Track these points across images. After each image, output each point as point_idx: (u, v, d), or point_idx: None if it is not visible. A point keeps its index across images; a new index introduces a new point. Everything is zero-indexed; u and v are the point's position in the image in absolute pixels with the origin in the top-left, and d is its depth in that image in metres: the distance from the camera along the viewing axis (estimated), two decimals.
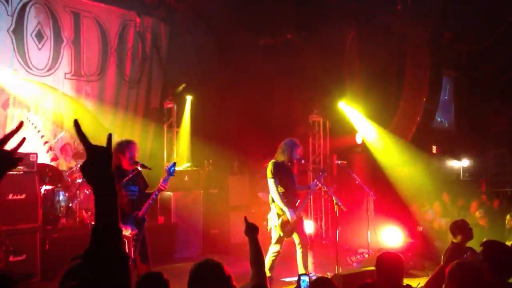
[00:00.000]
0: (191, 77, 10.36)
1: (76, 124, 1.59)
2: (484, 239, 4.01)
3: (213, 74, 10.38)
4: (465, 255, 4.17)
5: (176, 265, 7.69)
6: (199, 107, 10.40)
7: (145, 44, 10.63)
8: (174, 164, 5.79)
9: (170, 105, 10.17)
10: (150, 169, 5.73)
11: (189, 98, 10.33)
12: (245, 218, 3.38)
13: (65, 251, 6.60)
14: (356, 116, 11.00)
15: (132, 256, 5.21)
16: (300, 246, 6.30)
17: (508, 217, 4.38)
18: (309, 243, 6.54)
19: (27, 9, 8.85)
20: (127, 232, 5.26)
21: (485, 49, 12.19)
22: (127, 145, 5.59)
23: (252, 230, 3.29)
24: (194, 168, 9.47)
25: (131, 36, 10.37)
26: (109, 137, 1.66)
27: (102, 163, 1.60)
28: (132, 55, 10.44)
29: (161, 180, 5.51)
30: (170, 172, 5.58)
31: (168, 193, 8.70)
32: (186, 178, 9.08)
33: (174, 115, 10.15)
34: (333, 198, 6.61)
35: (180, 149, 10.22)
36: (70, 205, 7.95)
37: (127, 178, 5.45)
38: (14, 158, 1.84)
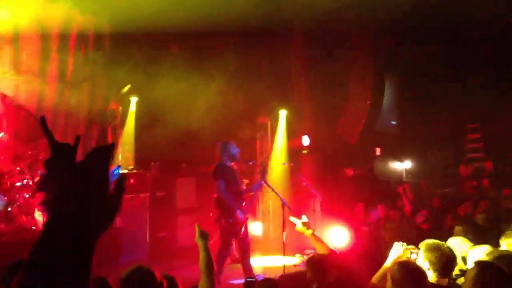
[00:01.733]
0: (137, 77, 10.15)
1: (42, 120, 1.55)
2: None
3: (159, 74, 10.20)
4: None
5: (121, 270, 7.50)
6: (145, 108, 10.21)
7: (88, 43, 10.32)
8: (118, 167, 5.69)
9: (114, 107, 9.94)
10: None
11: (134, 100, 10.11)
12: (197, 226, 3.37)
13: (4, 257, 6.30)
14: (302, 118, 11.13)
15: None
16: (242, 249, 6.29)
17: (456, 228, 4.53)
18: (251, 246, 6.54)
19: None
20: None
21: (427, 53, 12.60)
22: None
23: (203, 237, 3.28)
24: (140, 171, 9.30)
25: (73, 35, 10.05)
26: (77, 139, 1.62)
27: (65, 160, 1.55)
28: (74, 55, 10.11)
29: None
30: (114, 175, 5.48)
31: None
32: (131, 181, 8.90)
33: (118, 117, 9.93)
34: (280, 199, 6.65)
35: (126, 152, 9.99)
36: (9, 209, 7.61)
37: None
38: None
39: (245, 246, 6.30)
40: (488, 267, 2.89)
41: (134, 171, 9.28)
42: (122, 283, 2.60)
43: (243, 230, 6.30)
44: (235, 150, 6.47)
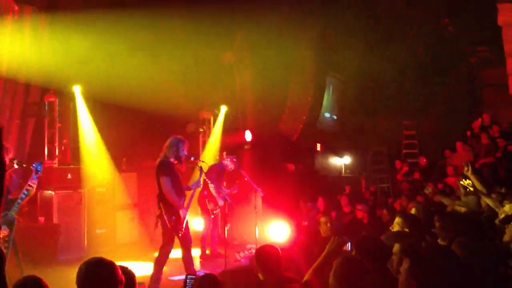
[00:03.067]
0: (74, 69, 9.80)
1: None
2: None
3: (99, 67, 9.92)
4: (345, 247, 4.37)
5: (59, 267, 7.32)
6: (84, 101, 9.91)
7: (24, 34, 9.88)
8: (41, 163, 5.61)
9: (51, 99, 9.58)
10: (24, 166, 5.54)
11: (77, 89, 9.71)
12: None
13: None
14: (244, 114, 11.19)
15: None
16: (184, 246, 6.26)
17: (396, 220, 4.72)
18: (191, 243, 6.51)
19: None
20: None
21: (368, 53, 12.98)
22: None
23: None
24: (78, 166, 9.03)
25: (9, 25, 9.60)
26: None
27: None
28: (9, 46, 9.66)
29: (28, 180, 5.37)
30: (37, 170, 5.43)
31: (50, 192, 8.23)
32: (69, 176, 8.64)
33: (56, 110, 9.58)
34: (224, 196, 6.69)
35: (63, 146, 9.68)
36: None
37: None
38: None
39: (187, 243, 6.26)
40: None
41: (71, 166, 9.01)
42: (81, 274, 2.55)
43: (185, 227, 6.26)
44: (183, 152, 6.34)
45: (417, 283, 2.87)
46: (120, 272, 2.63)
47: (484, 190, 6.00)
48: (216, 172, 8.11)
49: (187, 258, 6.26)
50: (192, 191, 6.72)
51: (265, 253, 3.69)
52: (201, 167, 6.71)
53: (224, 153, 10.44)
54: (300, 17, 12.07)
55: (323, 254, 3.82)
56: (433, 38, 13.86)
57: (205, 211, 8.07)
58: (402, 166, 12.62)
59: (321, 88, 13.48)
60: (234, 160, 8.27)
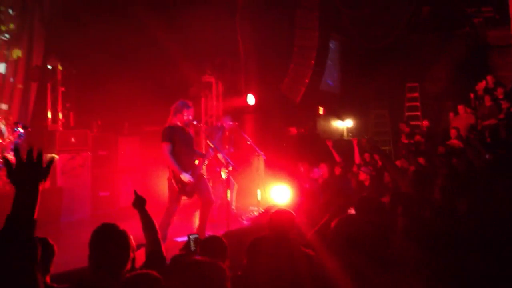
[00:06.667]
0: (77, 35, 9.72)
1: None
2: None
3: (101, 32, 9.84)
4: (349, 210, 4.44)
5: (63, 229, 7.47)
6: (86, 66, 9.89)
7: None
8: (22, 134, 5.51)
9: (54, 63, 9.56)
10: (29, 129, 5.53)
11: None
12: (135, 191, 3.44)
13: None
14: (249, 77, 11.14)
15: None
16: (202, 204, 6.38)
17: None
18: (212, 204, 6.60)
19: None
20: None
21: (369, 15, 12.82)
22: None
23: (140, 203, 3.37)
24: (81, 129, 9.08)
25: None
26: (51, 160, 2.01)
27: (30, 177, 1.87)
28: (12, 9, 9.55)
29: None
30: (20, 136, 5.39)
31: (53, 155, 8.31)
32: (72, 139, 8.70)
33: (59, 73, 9.58)
34: (226, 159, 6.75)
35: (66, 110, 9.72)
36: None
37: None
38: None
39: (203, 205, 6.37)
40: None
41: (75, 129, 9.07)
42: (95, 241, 2.67)
43: (201, 186, 6.35)
44: (188, 116, 6.38)
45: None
46: (131, 238, 2.75)
47: None
48: (216, 135, 8.14)
49: (202, 217, 6.39)
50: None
51: (280, 218, 3.72)
52: (206, 133, 6.77)
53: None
54: None
55: (327, 216, 3.90)
56: None
57: (217, 178, 8.01)
58: (405, 129, 12.59)
59: (324, 49, 13.35)
60: (229, 120, 8.16)
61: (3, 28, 9.48)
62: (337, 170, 9.07)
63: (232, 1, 11.36)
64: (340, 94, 14.62)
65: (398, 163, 8.92)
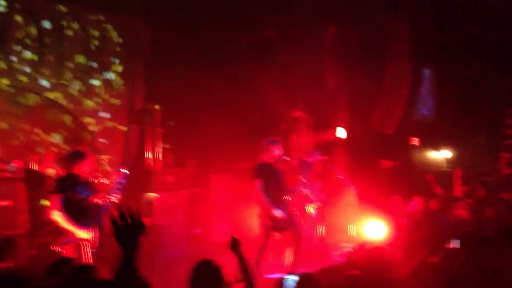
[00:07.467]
0: (175, 76, 10.25)
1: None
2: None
3: (195, 72, 10.32)
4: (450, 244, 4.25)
5: (161, 266, 7.74)
6: (181, 106, 10.36)
7: (126, 45, 10.46)
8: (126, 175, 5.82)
9: (153, 106, 10.15)
10: (132, 169, 5.86)
11: None
12: (231, 235, 3.57)
13: (53, 255, 6.61)
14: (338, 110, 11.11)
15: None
16: (294, 240, 6.40)
17: None
18: (304, 241, 6.61)
19: None
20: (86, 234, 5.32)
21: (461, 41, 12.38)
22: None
23: (235, 245, 3.49)
24: (177, 169, 9.52)
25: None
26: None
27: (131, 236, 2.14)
28: (113, 57, 10.31)
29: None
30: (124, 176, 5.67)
31: (154, 194, 8.74)
32: (170, 178, 9.11)
33: (157, 115, 10.14)
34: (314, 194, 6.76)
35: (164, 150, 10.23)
36: None
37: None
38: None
39: (294, 241, 6.41)
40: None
41: (171, 168, 9.51)
42: (193, 275, 2.87)
43: (292, 223, 6.39)
44: (277, 152, 6.51)
45: None
46: (226, 274, 2.90)
47: None
48: (305, 170, 8.14)
49: (293, 256, 6.40)
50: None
51: (378, 256, 3.62)
52: (294, 167, 6.83)
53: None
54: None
55: (425, 252, 3.76)
56: None
57: (306, 214, 7.99)
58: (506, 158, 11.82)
59: (417, 78, 13.04)
60: (318, 154, 8.14)
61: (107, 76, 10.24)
62: (434, 204, 8.70)
63: (320, 36, 11.47)
64: (435, 123, 14.09)
65: (505, 195, 8.41)
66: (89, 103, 9.92)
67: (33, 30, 9.02)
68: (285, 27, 10.78)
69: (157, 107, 10.08)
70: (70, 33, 9.56)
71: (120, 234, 2.16)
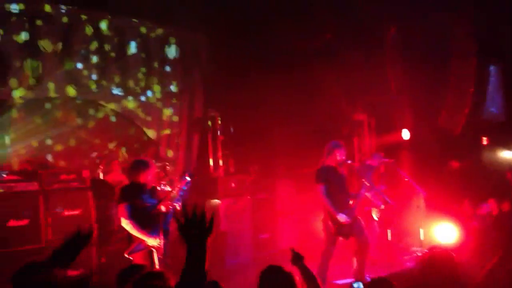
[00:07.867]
0: (235, 84, 10.33)
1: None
2: None
3: (255, 79, 10.35)
4: None
5: (228, 271, 7.78)
6: (240, 112, 10.42)
7: (185, 55, 10.68)
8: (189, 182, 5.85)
9: (213, 114, 10.30)
10: (195, 177, 5.92)
11: None
12: (292, 249, 3.51)
13: (120, 263, 6.78)
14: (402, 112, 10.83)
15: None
16: (359, 245, 6.29)
17: None
18: (370, 245, 6.46)
19: None
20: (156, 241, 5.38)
21: None
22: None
23: (298, 259, 3.42)
24: (240, 175, 9.57)
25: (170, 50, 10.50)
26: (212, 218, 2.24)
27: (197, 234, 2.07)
28: (173, 68, 10.54)
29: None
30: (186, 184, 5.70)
31: (217, 200, 8.83)
32: (233, 185, 9.17)
33: (217, 123, 10.27)
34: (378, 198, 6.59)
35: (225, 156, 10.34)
36: None
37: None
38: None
39: (360, 246, 6.29)
40: None
41: (234, 175, 9.58)
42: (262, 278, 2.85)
43: (356, 229, 6.29)
44: (341, 156, 6.42)
45: None
46: (297, 279, 2.86)
47: None
48: (368, 173, 7.97)
49: (359, 262, 6.28)
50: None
51: (438, 257, 3.48)
52: (357, 170, 6.71)
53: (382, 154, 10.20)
54: None
55: (499, 255, 3.58)
56: None
57: (369, 218, 7.84)
58: None
59: (484, 76, 12.51)
60: (380, 157, 7.95)
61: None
62: (506, 206, 8.27)
63: (382, 37, 11.25)
64: (505, 121, 13.44)
65: None
66: (167, 112, 10.23)
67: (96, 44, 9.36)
68: (346, 30, 10.64)
69: (217, 114, 10.21)
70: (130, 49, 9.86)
71: (187, 230, 2.10)
